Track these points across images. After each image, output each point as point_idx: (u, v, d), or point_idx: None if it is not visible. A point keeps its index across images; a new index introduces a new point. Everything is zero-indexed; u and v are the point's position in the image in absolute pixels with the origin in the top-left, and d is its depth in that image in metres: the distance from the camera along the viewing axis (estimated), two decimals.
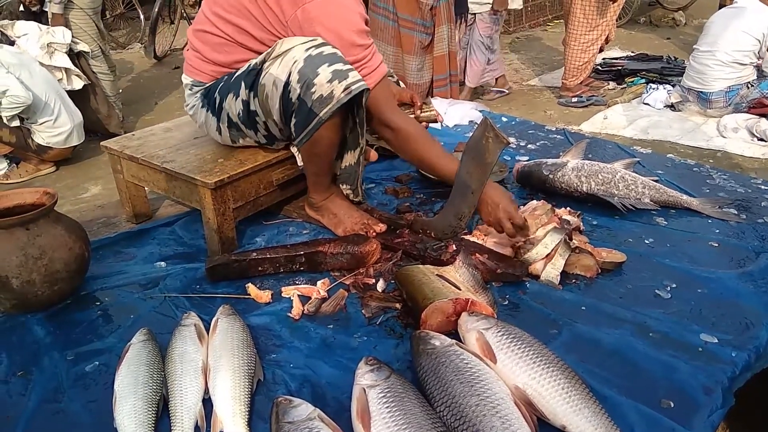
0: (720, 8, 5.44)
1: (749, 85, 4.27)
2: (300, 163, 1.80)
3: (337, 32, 1.60)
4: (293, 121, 1.61)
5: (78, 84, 4.28)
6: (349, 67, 1.56)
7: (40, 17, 4.51)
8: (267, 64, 1.59)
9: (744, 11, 4.23)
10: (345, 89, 1.53)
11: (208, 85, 1.79)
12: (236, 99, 1.70)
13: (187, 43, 1.85)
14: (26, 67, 3.83)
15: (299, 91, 1.55)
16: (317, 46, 1.55)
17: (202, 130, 1.95)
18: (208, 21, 1.71)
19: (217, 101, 1.75)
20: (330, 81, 1.52)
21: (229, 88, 1.71)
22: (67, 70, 4.25)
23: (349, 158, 1.77)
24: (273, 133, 1.74)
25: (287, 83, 1.56)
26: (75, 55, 4.39)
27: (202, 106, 1.81)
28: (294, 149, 1.80)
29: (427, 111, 2.03)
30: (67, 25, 4.36)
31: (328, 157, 1.73)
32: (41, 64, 4.06)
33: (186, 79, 1.84)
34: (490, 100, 5.20)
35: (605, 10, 4.71)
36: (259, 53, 1.67)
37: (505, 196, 1.63)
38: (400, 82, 2.22)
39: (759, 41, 4.16)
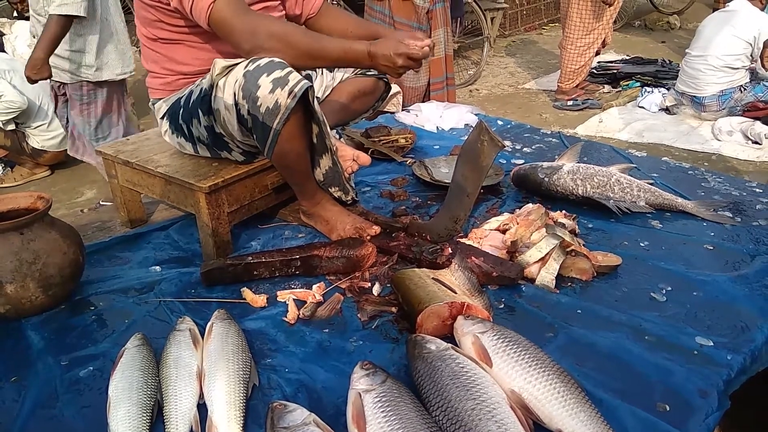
0: (713, 12, 5.46)
1: (742, 89, 4.29)
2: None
3: None
4: (254, 136, 1.61)
5: None
6: (288, 70, 1.53)
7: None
8: (214, 89, 1.60)
9: (735, 15, 4.25)
10: (289, 94, 1.51)
11: (167, 105, 1.82)
12: (200, 125, 1.72)
13: None
14: (18, 73, 3.82)
15: (247, 107, 1.54)
16: (253, 61, 1.55)
17: None
18: (140, 31, 1.78)
19: (185, 128, 1.77)
20: (272, 91, 1.51)
21: (191, 113, 1.73)
22: None
23: (325, 162, 1.75)
24: (247, 150, 1.75)
25: (236, 103, 1.56)
26: None
27: (173, 132, 1.83)
28: None
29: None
30: None
31: (301, 166, 1.72)
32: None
33: (150, 103, 1.89)
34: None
35: (602, 14, 4.73)
36: (174, 41, 1.72)
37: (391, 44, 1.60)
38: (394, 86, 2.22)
39: (750, 44, 4.18)
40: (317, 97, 1.76)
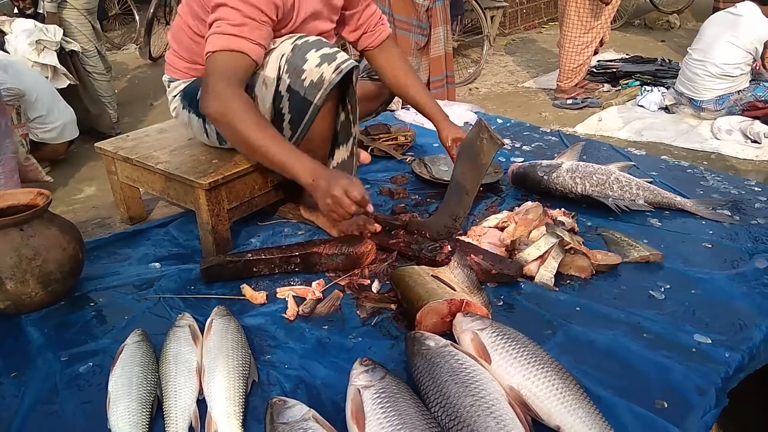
0: (713, 11, 5.45)
1: (740, 92, 4.28)
2: None
3: None
4: (288, 117, 1.61)
5: (63, 83, 4.25)
6: (336, 49, 1.56)
7: (35, 19, 4.49)
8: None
9: (739, 21, 4.16)
10: (335, 69, 1.54)
11: (185, 84, 1.81)
12: None
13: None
14: (13, 65, 3.82)
15: (289, 82, 1.56)
16: (301, 37, 1.57)
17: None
18: (181, 18, 1.74)
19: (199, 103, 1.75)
20: (319, 65, 1.53)
21: None
22: (54, 68, 4.23)
23: (342, 153, 1.76)
24: None
25: (278, 77, 1.57)
26: (67, 54, 4.37)
27: (183, 108, 1.83)
28: None
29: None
30: (62, 24, 4.35)
31: (322, 151, 1.73)
32: (30, 61, 4.05)
33: (165, 77, 1.87)
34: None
35: (600, 13, 4.72)
36: None
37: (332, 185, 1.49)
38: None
39: (751, 54, 4.13)
40: None
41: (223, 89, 1.51)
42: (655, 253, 1.66)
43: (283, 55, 1.56)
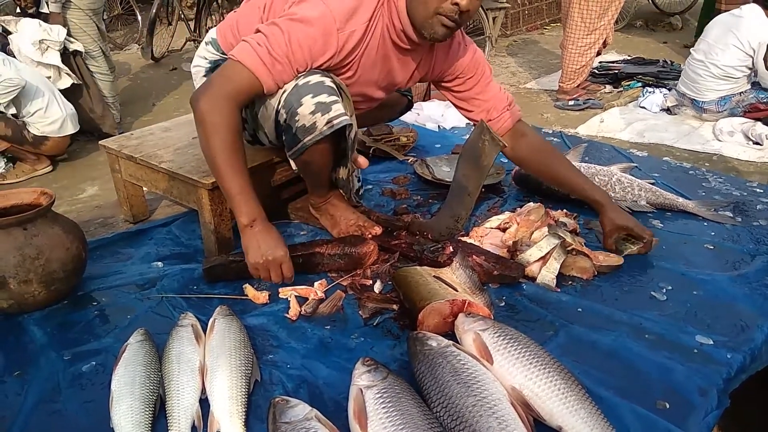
0: (716, 13, 5.44)
1: (742, 94, 4.27)
2: (294, 167, 1.80)
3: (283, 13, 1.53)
4: (284, 137, 1.61)
5: (66, 82, 4.26)
6: (333, 99, 1.51)
7: (39, 19, 4.50)
8: None
9: (741, 22, 4.15)
10: (327, 123, 1.50)
11: (218, 58, 1.79)
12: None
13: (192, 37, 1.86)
14: (10, 61, 3.83)
15: (286, 117, 1.55)
16: (305, 76, 1.54)
17: None
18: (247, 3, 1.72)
19: None
20: (313, 113, 1.50)
21: None
22: (57, 68, 4.23)
23: (342, 173, 1.75)
24: (260, 140, 1.76)
25: (277, 110, 1.57)
26: (70, 54, 4.38)
27: (204, 75, 1.82)
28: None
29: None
30: (65, 24, 4.36)
31: (322, 172, 1.72)
32: (34, 60, 4.06)
33: (211, 34, 1.81)
34: None
35: (603, 14, 4.72)
36: None
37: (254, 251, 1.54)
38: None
39: (750, 56, 4.13)
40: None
41: (222, 98, 1.50)
42: (646, 241, 1.66)
43: (285, 91, 1.54)
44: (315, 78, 1.53)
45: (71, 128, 4.09)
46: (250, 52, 1.50)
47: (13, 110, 3.88)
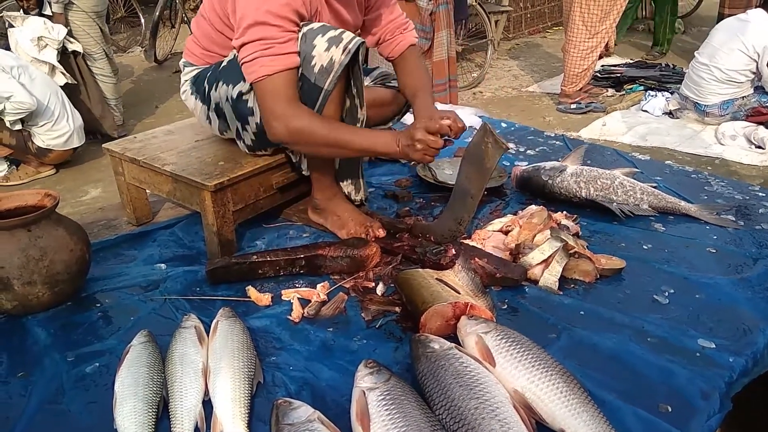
0: (719, 17, 5.45)
1: (744, 98, 4.28)
2: (304, 167, 1.81)
3: (245, 11, 1.53)
4: (303, 99, 1.61)
5: (60, 81, 4.26)
6: (340, 30, 1.59)
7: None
8: None
9: (746, 26, 4.16)
10: (344, 51, 1.56)
11: (197, 71, 1.84)
12: (228, 90, 1.70)
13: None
14: (25, 70, 3.84)
15: (301, 70, 1.58)
16: (305, 25, 1.59)
17: (203, 133, 1.99)
18: (204, 8, 1.76)
19: (206, 90, 1.78)
20: (327, 49, 1.56)
21: (218, 77, 1.73)
22: (52, 66, 4.24)
23: (360, 114, 1.76)
24: (260, 137, 1.73)
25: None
26: (70, 54, 4.39)
27: (191, 93, 1.86)
28: (293, 156, 1.82)
29: None
30: (68, 26, 4.38)
31: (328, 163, 1.74)
32: (30, 56, 4.07)
33: (181, 61, 1.90)
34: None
35: (605, 18, 4.73)
36: None
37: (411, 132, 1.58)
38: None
39: (755, 60, 4.13)
40: None
41: (286, 111, 1.55)
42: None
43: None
44: (314, 24, 1.59)
45: (77, 142, 4.11)
46: (270, 60, 1.53)
47: (19, 126, 3.89)
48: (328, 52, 1.56)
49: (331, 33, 1.57)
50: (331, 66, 1.56)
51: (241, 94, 1.68)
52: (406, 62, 1.96)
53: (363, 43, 1.60)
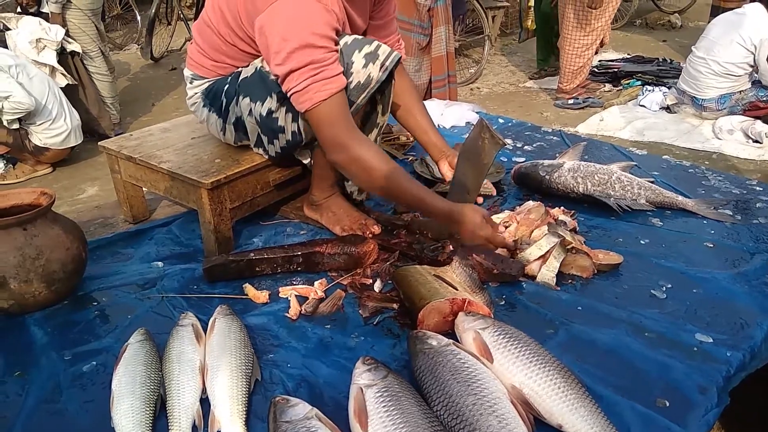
0: (713, 9, 5.45)
1: (741, 92, 4.28)
2: (306, 160, 1.80)
3: (286, 34, 1.47)
4: None
5: (61, 82, 4.25)
6: (376, 43, 1.57)
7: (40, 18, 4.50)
8: None
9: (743, 20, 4.17)
10: (381, 68, 1.55)
11: (210, 82, 1.79)
12: (257, 105, 1.66)
13: (191, 37, 1.85)
14: (23, 69, 3.82)
15: None
16: (341, 37, 1.56)
17: (200, 131, 1.98)
18: (209, 19, 1.68)
19: (224, 103, 1.75)
20: (365, 65, 1.55)
21: (239, 91, 1.69)
22: (52, 67, 4.23)
23: (381, 120, 1.77)
24: (295, 142, 1.71)
25: None
26: (68, 54, 4.38)
27: (204, 105, 1.81)
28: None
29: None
30: (65, 25, 4.36)
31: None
32: (29, 58, 4.05)
33: (187, 72, 1.84)
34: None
35: (600, 15, 4.71)
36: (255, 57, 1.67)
37: (477, 221, 1.54)
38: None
39: (752, 52, 4.14)
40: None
41: (345, 137, 1.51)
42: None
43: None
44: (348, 38, 1.57)
45: (74, 141, 4.09)
46: (323, 85, 1.48)
47: (16, 125, 3.87)
48: (366, 69, 1.55)
49: (367, 48, 1.56)
50: (368, 83, 1.56)
51: (270, 111, 1.65)
52: (402, 81, 1.88)
53: (399, 58, 1.59)
